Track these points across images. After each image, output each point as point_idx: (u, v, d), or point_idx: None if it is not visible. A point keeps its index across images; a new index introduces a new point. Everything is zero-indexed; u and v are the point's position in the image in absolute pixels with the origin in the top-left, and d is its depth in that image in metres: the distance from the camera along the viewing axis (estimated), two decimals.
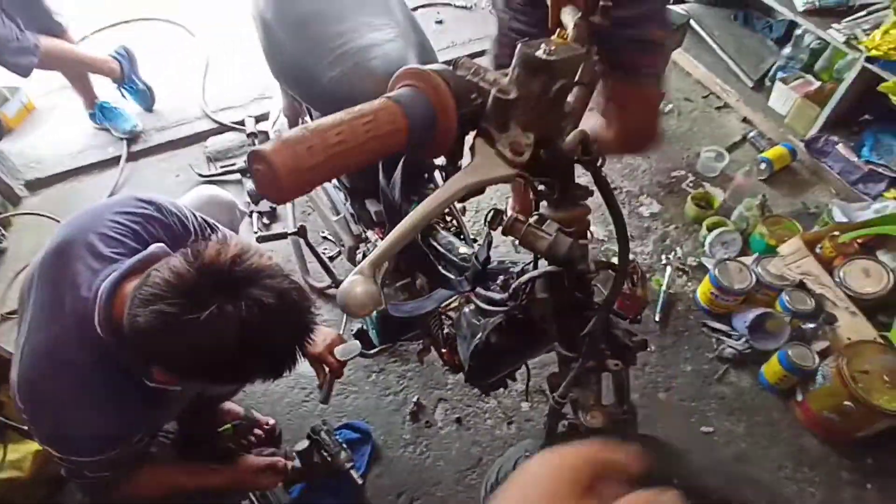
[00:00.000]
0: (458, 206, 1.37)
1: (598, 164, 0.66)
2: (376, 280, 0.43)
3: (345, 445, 1.46)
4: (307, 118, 1.40)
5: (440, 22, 2.97)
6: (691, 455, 0.83)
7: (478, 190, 0.50)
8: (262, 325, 0.78)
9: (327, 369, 1.36)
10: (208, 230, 1.14)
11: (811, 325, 1.63)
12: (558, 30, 0.64)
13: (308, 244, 1.53)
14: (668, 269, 1.93)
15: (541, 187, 0.71)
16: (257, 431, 1.56)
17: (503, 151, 0.46)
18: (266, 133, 2.32)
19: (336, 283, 1.70)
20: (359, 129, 0.44)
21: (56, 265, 0.96)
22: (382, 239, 1.31)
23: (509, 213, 0.66)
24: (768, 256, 1.79)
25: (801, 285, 1.71)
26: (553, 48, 0.49)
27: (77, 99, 2.50)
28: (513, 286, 0.84)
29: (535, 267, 0.82)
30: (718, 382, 1.67)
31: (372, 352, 1.68)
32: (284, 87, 1.26)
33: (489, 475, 1.07)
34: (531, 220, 0.73)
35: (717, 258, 1.86)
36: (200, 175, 2.29)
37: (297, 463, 1.40)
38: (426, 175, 1.38)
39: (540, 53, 0.49)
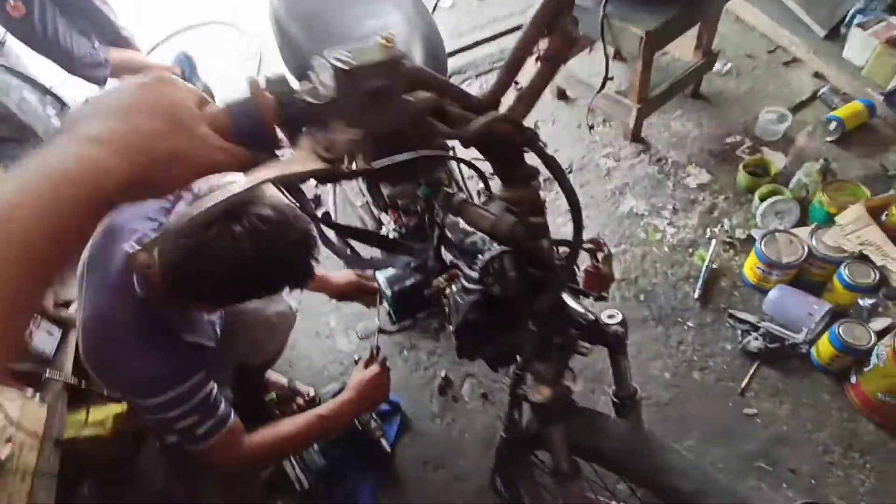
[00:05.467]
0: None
1: (531, 140, 0.66)
2: None
3: (375, 417, 1.55)
4: None
5: None
6: (671, 455, 0.80)
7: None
8: (270, 235, 0.91)
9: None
10: None
11: (870, 301, 1.47)
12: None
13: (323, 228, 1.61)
14: (713, 242, 1.81)
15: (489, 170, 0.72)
16: (299, 400, 1.70)
17: (316, 149, 0.48)
18: None
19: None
20: None
21: (102, 248, 1.11)
22: (395, 222, 1.36)
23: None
24: (825, 227, 1.63)
25: (862, 257, 1.55)
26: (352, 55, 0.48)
27: None
28: (480, 264, 0.85)
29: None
30: (764, 365, 1.56)
31: (392, 329, 1.77)
32: None
33: None
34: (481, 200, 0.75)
35: (770, 229, 1.73)
36: None
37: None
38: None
39: (335, 61, 0.48)
